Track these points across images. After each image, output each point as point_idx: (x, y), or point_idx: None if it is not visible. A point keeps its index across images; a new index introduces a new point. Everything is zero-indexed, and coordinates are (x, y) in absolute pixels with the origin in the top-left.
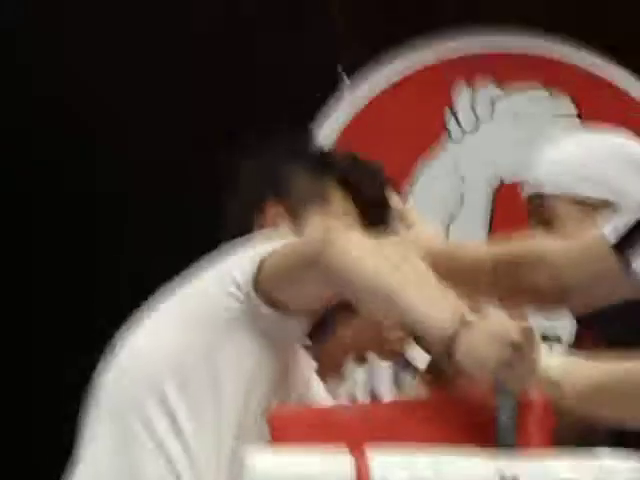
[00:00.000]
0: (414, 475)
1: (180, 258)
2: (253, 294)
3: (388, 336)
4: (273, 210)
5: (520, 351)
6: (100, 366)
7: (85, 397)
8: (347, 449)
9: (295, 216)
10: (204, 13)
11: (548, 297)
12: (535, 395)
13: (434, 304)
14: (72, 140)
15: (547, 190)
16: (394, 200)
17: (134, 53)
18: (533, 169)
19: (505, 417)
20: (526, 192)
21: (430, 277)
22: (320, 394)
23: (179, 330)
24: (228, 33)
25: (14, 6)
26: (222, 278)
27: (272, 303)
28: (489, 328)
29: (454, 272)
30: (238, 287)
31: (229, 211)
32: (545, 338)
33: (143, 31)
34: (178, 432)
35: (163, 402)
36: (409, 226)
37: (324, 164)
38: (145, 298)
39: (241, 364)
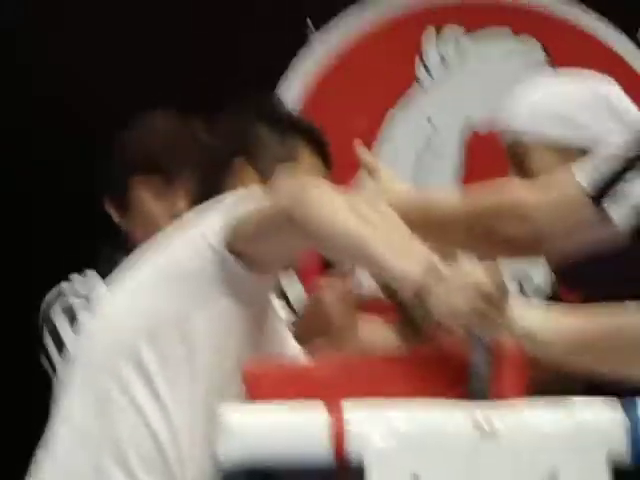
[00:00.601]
0: (389, 428)
1: None
2: (226, 253)
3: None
4: (243, 171)
5: (489, 295)
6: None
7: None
8: (322, 403)
9: (265, 176)
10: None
11: (522, 247)
12: (509, 345)
13: (404, 255)
14: (72, 140)
15: (524, 137)
16: (362, 153)
17: (134, 53)
18: (509, 116)
19: (479, 367)
20: (503, 140)
21: (400, 228)
22: (295, 352)
23: (151, 293)
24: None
25: (14, 6)
26: (193, 238)
27: (245, 261)
28: (460, 278)
29: (426, 223)
30: (209, 246)
31: (198, 173)
32: (521, 286)
33: (144, 30)
34: (154, 394)
35: (139, 365)
36: (377, 179)
37: (291, 123)
38: None
39: (214, 324)
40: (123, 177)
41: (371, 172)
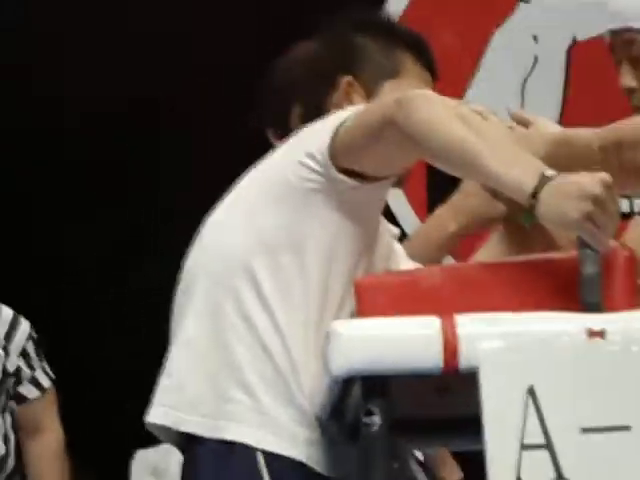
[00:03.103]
0: (500, 332)
1: None
2: (333, 169)
3: None
4: (346, 85)
5: (601, 204)
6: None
7: None
8: (434, 314)
9: (371, 90)
10: None
11: None
12: (620, 254)
13: (515, 164)
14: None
15: (635, 24)
16: (512, 112)
17: (134, 52)
18: (621, 3)
19: (589, 273)
20: (612, 27)
21: (509, 137)
22: (405, 263)
23: (262, 211)
24: None
25: (14, 6)
26: (301, 156)
27: (350, 173)
28: (569, 183)
29: (569, 158)
30: (313, 158)
31: (300, 89)
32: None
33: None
34: (269, 312)
35: (253, 283)
36: (528, 125)
37: (395, 35)
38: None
39: (325, 239)
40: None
41: (526, 124)
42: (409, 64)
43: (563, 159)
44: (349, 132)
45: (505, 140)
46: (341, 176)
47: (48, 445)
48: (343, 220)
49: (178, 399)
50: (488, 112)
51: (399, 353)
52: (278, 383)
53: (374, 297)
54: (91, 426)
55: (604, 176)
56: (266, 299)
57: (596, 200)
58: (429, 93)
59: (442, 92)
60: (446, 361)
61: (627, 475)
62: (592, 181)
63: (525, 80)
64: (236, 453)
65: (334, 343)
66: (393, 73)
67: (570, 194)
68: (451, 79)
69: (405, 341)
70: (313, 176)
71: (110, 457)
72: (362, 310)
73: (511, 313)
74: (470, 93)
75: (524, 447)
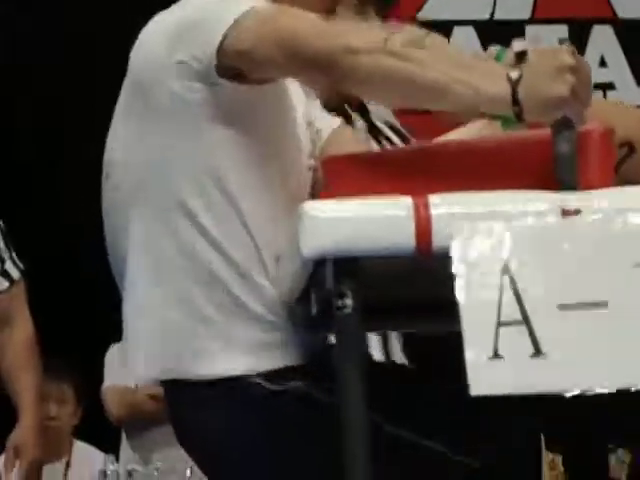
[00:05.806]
0: (474, 213)
1: None
2: (212, 68)
3: None
4: None
5: (578, 73)
6: None
7: None
8: (407, 195)
9: None
10: None
11: None
12: (596, 133)
13: (478, 81)
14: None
15: None
16: None
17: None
18: None
19: (563, 152)
20: None
21: (456, 55)
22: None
23: (164, 138)
24: None
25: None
26: (180, 63)
27: (230, 72)
28: (542, 67)
29: None
30: (197, 60)
31: None
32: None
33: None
34: (209, 240)
35: (188, 214)
36: None
37: None
38: None
39: (227, 149)
40: None
41: None
42: None
43: None
44: (238, 43)
45: (456, 62)
46: (222, 80)
47: (18, 337)
48: (237, 126)
49: (147, 356)
50: (421, 32)
51: (372, 234)
52: (233, 305)
53: (342, 176)
54: (65, 318)
55: (568, 46)
56: (204, 229)
57: (573, 69)
58: (360, 41)
59: None
60: (419, 242)
61: (604, 349)
62: (562, 52)
63: None
64: (217, 387)
65: (305, 225)
66: None
67: (548, 74)
68: None
69: (378, 222)
70: (196, 85)
71: (86, 350)
72: (330, 190)
73: (485, 193)
74: None
75: (501, 324)
